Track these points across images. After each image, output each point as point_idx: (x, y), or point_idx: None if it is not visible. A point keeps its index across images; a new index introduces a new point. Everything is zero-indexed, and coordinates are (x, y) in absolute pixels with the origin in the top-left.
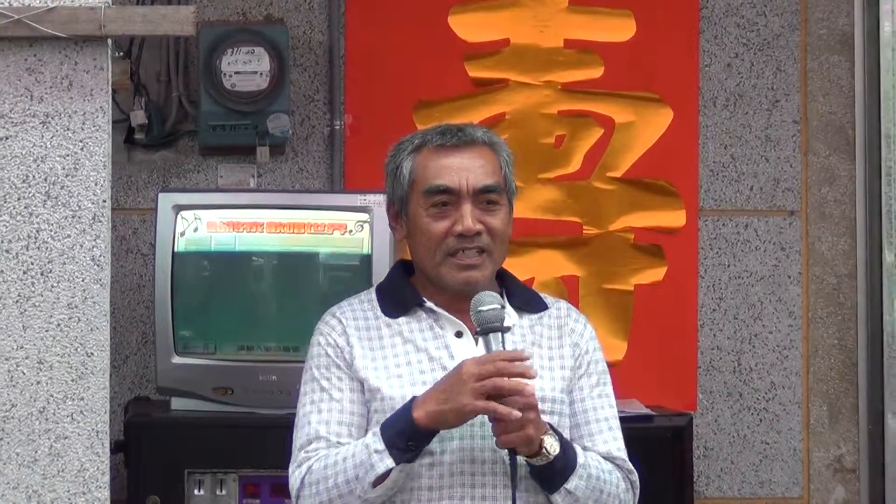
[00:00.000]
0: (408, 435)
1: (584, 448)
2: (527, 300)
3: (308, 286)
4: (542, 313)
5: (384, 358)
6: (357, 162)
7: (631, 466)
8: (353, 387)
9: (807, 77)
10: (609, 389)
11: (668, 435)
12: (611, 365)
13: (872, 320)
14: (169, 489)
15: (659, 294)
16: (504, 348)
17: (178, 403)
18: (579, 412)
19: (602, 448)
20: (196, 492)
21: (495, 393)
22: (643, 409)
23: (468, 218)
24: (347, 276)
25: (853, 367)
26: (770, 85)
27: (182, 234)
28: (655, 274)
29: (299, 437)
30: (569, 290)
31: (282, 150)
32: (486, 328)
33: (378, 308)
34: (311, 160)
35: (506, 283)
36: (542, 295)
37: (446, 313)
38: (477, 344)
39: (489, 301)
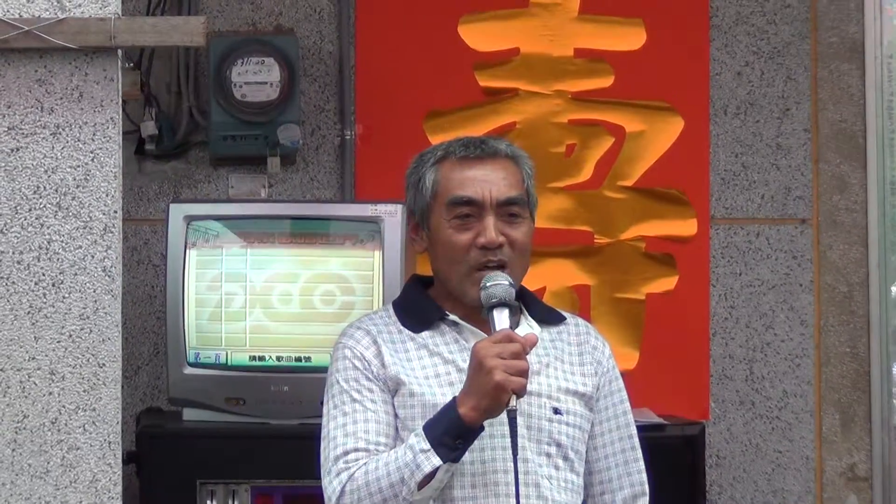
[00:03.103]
0: (455, 433)
1: (617, 465)
2: (545, 314)
3: (319, 296)
4: (561, 327)
5: (413, 369)
6: (367, 172)
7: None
8: (385, 399)
9: (817, 85)
10: (629, 405)
11: (680, 444)
12: (623, 374)
13: (884, 328)
14: (181, 500)
15: (671, 303)
16: (508, 324)
17: (189, 414)
18: (605, 432)
19: (637, 478)
20: (208, 502)
21: (519, 374)
22: (655, 418)
23: (491, 230)
24: (358, 286)
25: (865, 376)
26: (781, 93)
27: (193, 244)
28: (667, 283)
29: (334, 447)
30: (580, 299)
31: (292, 161)
32: (493, 303)
33: (398, 323)
34: (322, 170)
35: (524, 297)
36: (558, 310)
37: (469, 325)
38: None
39: (497, 278)
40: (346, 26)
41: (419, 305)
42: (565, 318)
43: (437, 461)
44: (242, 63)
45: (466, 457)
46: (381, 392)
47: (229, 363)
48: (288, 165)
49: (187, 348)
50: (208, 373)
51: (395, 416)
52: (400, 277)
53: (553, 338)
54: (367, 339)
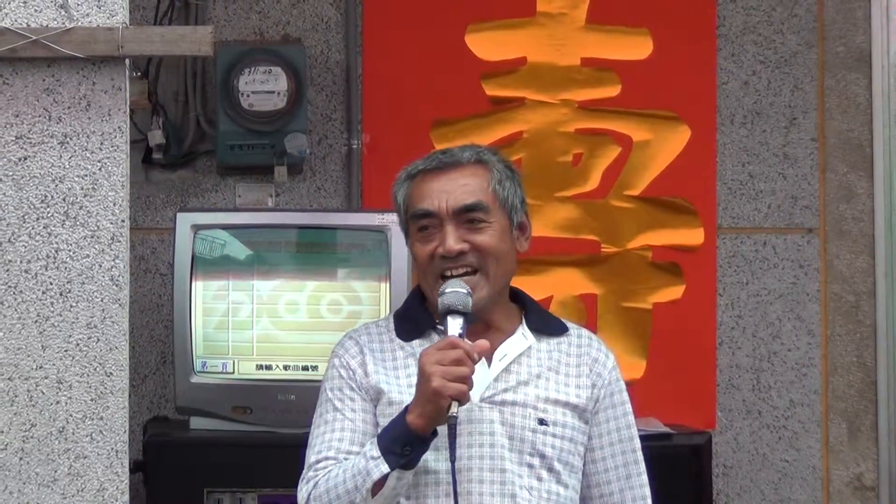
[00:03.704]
0: (403, 440)
1: (617, 479)
2: (546, 323)
3: (326, 305)
4: (562, 338)
5: (397, 378)
6: (374, 181)
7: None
8: (366, 408)
9: (824, 95)
10: (632, 418)
11: (687, 453)
12: (629, 383)
13: (891, 338)
14: None
15: (677, 312)
16: (463, 334)
17: (196, 423)
18: (605, 445)
19: (639, 492)
20: None
21: (458, 380)
22: (662, 428)
23: (449, 238)
24: (365, 295)
25: (872, 385)
26: (787, 102)
27: (200, 253)
28: (674, 292)
29: (310, 455)
30: (587, 308)
31: (299, 170)
32: (447, 310)
33: (393, 332)
34: (329, 179)
35: (525, 305)
36: (563, 320)
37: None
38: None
39: (455, 286)
40: (353, 36)
41: (414, 315)
42: (567, 330)
43: (385, 468)
44: (250, 72)
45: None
46: (361, 401)
47: (236, 372)
48: (295, 174)
49: (194, 357)
50: (215, 382)
51: (377, 424)
52: (406, 286)
53: (551, 348)
54: (355, 349)
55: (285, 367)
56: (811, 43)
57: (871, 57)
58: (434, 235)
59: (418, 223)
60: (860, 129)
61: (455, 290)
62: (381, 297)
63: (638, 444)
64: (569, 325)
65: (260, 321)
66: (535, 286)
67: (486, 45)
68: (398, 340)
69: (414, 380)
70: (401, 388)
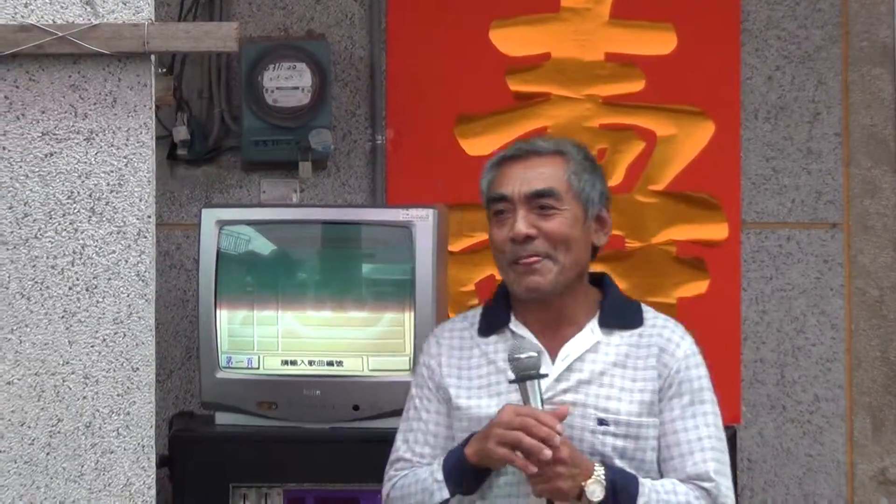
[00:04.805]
0: (461, 469)
1: (675, 469)
2: (621, 316)
3: (350, 301)
4: (636, 331)
5: (469, 378)
6: (399, 176)
7: (719, 489)
8: (440, 409)
9: (848, 89)
10: (707, 408)
11: None
12: None
13: None
14: (214, 503)
15: (702, 307)
16: (540, 394)
17: (222, 418)
18: (669, 433)
19: (691, 470)
20: None
21: (516, 447)
22: None
23: (519, 222)
24: (390, 290)
25: None
26: (811, 97)
27: (225, 249)
28: (698, 287)
29: (393, 451)
30: None
31: (324, 165)
32: (522, 375)
33: (476, 327)
34: (354, 175)
35: (605, 295)
36: (645, 310)
37: (529, 334)
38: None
39: (526, 348)
40: (377, 31)
41: (494, 311)
42: (643, 322)
43: (445, 495)
44: (274, 68)
45: (502, 479)
46: (437, 402)
47: (261, 367)
48: (319, 170)
49: (219, 352)
50: (240, 377)
51: (449, 426)
52: (431, 282)
53: (621, 342)
54: (435, 348)
55: (310, 363)
56: (835, 38)
57: (895, 51)
58: (507, 220)
59: (494, 207)
60: (884, 123)
61: (529, 355)
62: (405, 293)
63: (707, 431)
64: (648, 314)
65: (285, 317)
66: None
67: (511, 40)
68: (477, 338)
69: (483, 382)
70: (469, 393)
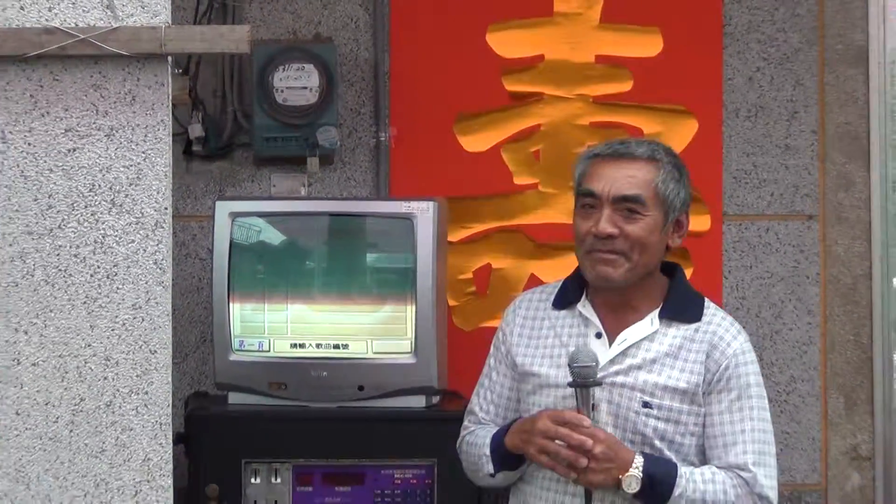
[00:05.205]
0: (501, 454)
1: (717, 458)
2: (682, 310)
3: (355, 288)
4: (693, 325)
5: (536, 347)
6: (401, 171)
7: (756, 479)
8: (507, 372)
9: (824, 90)
10: (753, 403)
11: None
12: None
13: (885, 317)
14: (227, 478)
15: None
16: (592, 399)
17: (235, 398)
18: (716, 424)
19: (732, 460)
20: (252, 480)
21: (555, 457)
22: None
23: (604, 221)
24: (393, 277)
25: (868, 361)
26: (789, 97)
27: (238, 239)
28: None
29: (470, 401)
30: None
31: (330, 161)
32: (578, 382)
33: (551, 300)
34: (358, 170)
35: (671, 286)
36: (707, 305)
37: (594, 313)
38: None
39: (584, 358)
40: (381, 35)
41: (569, 286)
42: (701, 318)
43: (492, 468)
44: (284, 69)
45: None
46: (504, 366)
47: (272, 350)
48: (326, 165)
49: (232, 336)
50: (252, 359)
51: (513, 388)
52: (432, 270)
53: (677, 334)
54: (511, 316)
55: (317, 346)
56: (812, 41)
57: (869, 54)
58: (593, 215)
59: (583, 200)
60: (858, 122)
61: (585, 365)
62: (407, 281)
63: (751, 426)
64: (708, 311)
65: (293, 303)
66: (554, 270)
67: (507, 43)
68: (550, 310)
69: (548, 352)
70: (533, 361)
